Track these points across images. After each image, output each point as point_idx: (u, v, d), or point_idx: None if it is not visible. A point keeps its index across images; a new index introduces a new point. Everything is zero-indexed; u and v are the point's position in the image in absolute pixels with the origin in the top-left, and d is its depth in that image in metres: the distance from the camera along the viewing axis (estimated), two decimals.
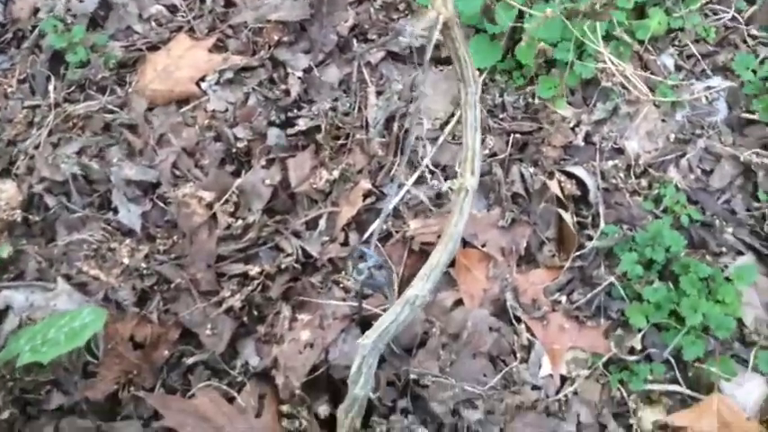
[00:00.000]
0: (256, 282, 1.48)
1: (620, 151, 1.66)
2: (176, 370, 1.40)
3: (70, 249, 1.47)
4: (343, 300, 1.44)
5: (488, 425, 1.34)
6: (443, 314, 1.46)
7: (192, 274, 1.47)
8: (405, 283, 1.51)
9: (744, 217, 1.55)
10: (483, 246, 1.53)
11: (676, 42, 1.78)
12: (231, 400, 1.38)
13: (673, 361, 1.36)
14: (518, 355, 1.41)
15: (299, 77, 1.70)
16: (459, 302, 1.48)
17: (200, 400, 1.35)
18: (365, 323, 1.42)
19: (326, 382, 1.41)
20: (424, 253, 1.51)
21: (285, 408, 1.38)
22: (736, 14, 1.82)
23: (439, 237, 1.47)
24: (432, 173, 1.64)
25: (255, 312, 1.46)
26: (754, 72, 1.69)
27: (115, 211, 1.53)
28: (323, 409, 1.39)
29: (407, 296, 1.18)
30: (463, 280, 1.50)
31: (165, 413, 1.31)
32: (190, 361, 1.40)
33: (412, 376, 1.38)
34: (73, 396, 1.30)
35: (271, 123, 1.65)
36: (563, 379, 1.39)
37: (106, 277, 1.42)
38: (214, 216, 1.53)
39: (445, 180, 1.64)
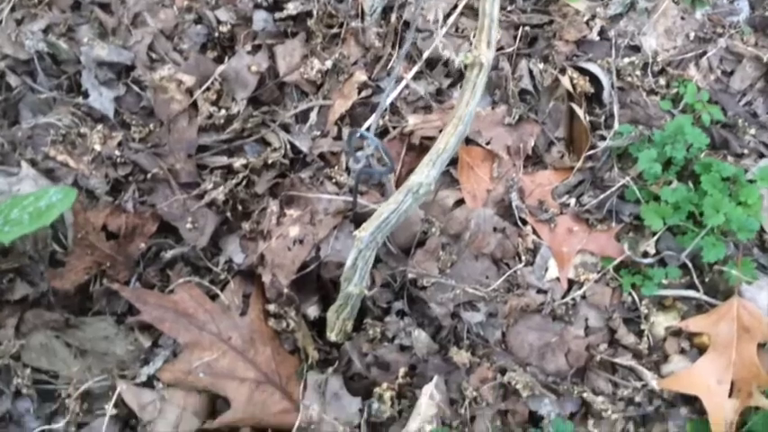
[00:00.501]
0: (241, 175, 1.36)
1: (636, 48, 1.54)
2: (153, 265, 1.30)
3: (36, 133, 1.34)
4: (336, 194, 1.33)
5: (490, 327, 1.25)
6: (443, 213, 1.36)
7: (170, 164, 1.35)
8: (402, 180, 1.40)
9: (765, 119, 1.45)
10: (487, 144, 1.42)
11: None
12: (213, 297, 1.28)
13: (690, 265, 1.27)
14: (523, 258, 1.32)
15: None
16: (460, 202, 1.38)
17: (179, 296, 1.25)
18: (360, 220, 1.31)
19: (316, 282, 1.31)
20: (424, 149, 1.39)
21: (272, 307, 1.28)
22: None
23: (441, 131, 1.36)
24: (432, 67, 1.52)
25: (240, 208, 1.35)
26: None
27: (85, 94, 1.39)
28: (312, 310, 1.30)
29: (410, 184, 1.07)
30: (466, 179, 1.39)
31: (142, 307, 1.21)
32: (168, 255, 1.29)
33: (410, 276, 1.28)
34: (39, 287, 1.19)
35: (257, 6, 1.50)
36: (570, 283, 1.30)
37: (76, 164, 1.29)
38: (194, 104, 1.40)
39: (446, 77, 1.52)
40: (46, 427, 1.11)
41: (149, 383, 1.19)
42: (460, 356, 1.21)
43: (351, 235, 1.26)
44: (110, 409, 1.14)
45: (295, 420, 1.20)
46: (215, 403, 1.23)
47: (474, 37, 1.05)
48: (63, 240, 1.23)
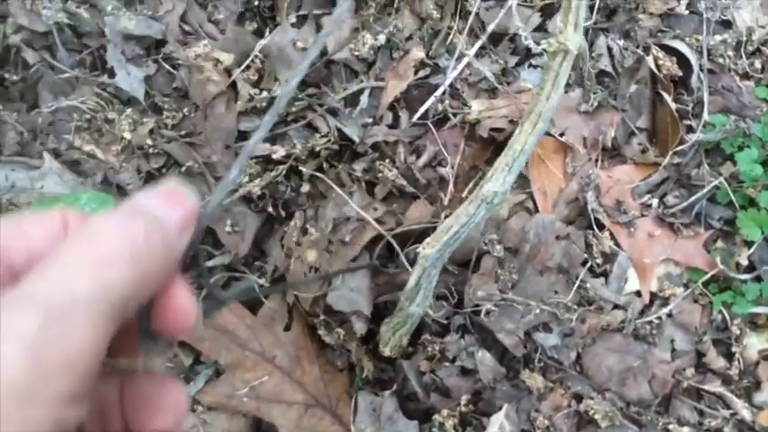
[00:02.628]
0: (281, 167, 1.24)
1: (727, 24, 1.39)
2: (190, 271, 1.19)
3: (57, 119, 1.22)
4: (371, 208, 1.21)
5: (564, 349, 1.15)
6: (497, 224, 1.24)
7: (206, 155, 1.23)
8: (463, 178, 1.28)
9: None
10: (561, 134, 1.29)
11: None
12: (254, 309, 1.18)
13: None
14: (597, 269, 1.21)
15: None
16: (519, 204, 1.26)
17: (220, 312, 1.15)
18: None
19: None
20: (490, 141, 1.27)
21: (316, 321, 1.19)
22: None
23: (511, 121, 1.23)
24: (496, 43, 1.37)
25: (281, 208, 1.24)
26: None
27: (111, 73, 1.26)
28: (359, 327, 1.20)
29: (484, 193, 0.95)
30: (536, 174, 1.27)
31: None
32: (208, 264, 1.19)
33: (468, 309, 1.17)
34: None
35: None
36: (653, 297, 1.19)
37: (104, 155, 1.18)
38: (233, 85, 1.28)
39: (512, 54, 1.38)
40: None
41: (190, 406, 1.11)
42: (534, 381, 1.11)
43: (366, 273, 1.15)
44: None
45: None
46: (260, 427, 1.15)
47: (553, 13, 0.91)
48: None
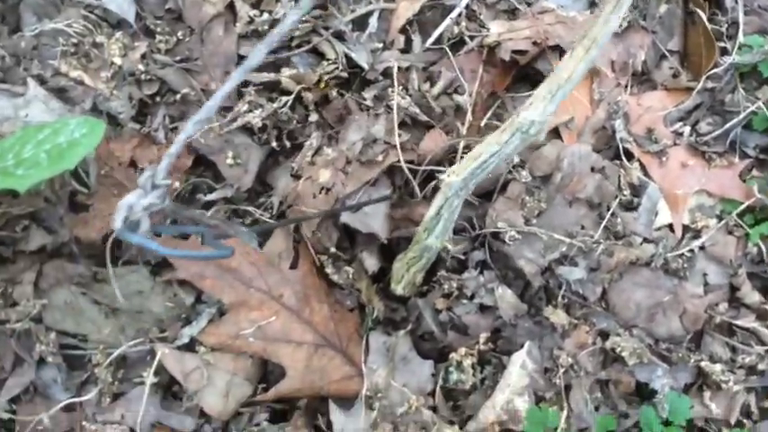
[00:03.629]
0: (284, 99, 1.17)
1: None
2: (190, 207, 1.14)
3: (42, 43, 1.15)
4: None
5: (589, 284, 1.10)
6: (529, 150, 1.18)
7: (204, 82, 1.17)
8: (481, 106, 1.22)
9: None
10: None
11: None
12: (260, 246, 1.13)
13: None
14: (627, 200, 1.15)
15: None
16: (550, 134, 1.20)
17: None
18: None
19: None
20: (512, 66, 1.20)
21: (323, 258, 1.13)
22: None
23: (535, 43, 1.16)
24: None
25: (286, 139, 1.17)
26: None
27: None
28: (371, 264, 1.15)
29: (520, 121, 0.89)
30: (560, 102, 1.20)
31: (177, 262, 1.06)
32: (209, 197, 1.13)
33: (490, 229, 1.11)
34: (58, 235, 1.04)
35: None
36: (685, 230, 1.14)
37: (93, 81, 1.11)
38: (231, 6, 1.20)
39: None
40: (76, 399, 0.99)
41: (192, 347, 1.06)
42: (557, 317, 1.06)
43: (386, 197, 1.09)
44: (150, 377, 1.02)
45: (359, 388, 1.08)
46: (266, 366, 1.11)
47: None
48: (84, 177, 1.07)
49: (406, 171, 1.10)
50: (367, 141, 1.09)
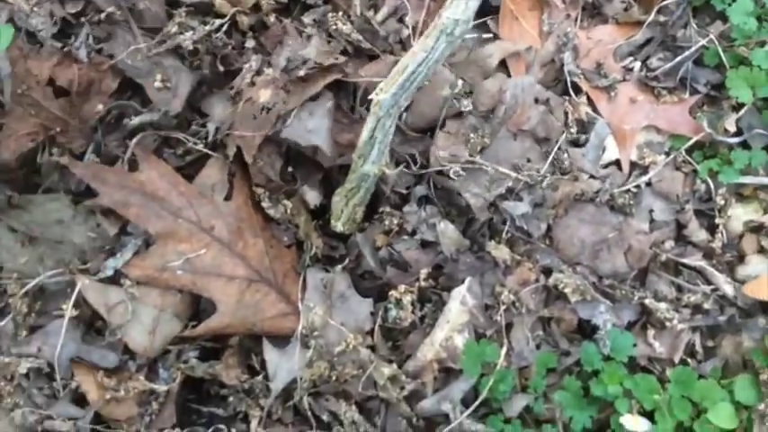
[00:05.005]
0: (218, 22, 1.12)
1: None
2: (115, 133, 1.09)
3: None
4: (329, 54, 1.10)
5: (533, 220, 1.08)
6: (472, 83, 1.15)
7: (131, 1, 1.11)
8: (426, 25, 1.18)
9: None
10: None
11: None
12: (189, 178, 1.09)
13: None
14: (574, 136, 1.13)
15: None
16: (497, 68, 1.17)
17: (146, 175, 1.05)
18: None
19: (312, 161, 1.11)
20: None
21: (260, 191, 1.10)
22: None
23: None
24: None
25: (221, 64, 1.13)
26: None
27: None
28: (312, 197, 1.11)
29: (443, 23, 0.86)
30: (507, 32, 1.18)
31: (100, 188, 1.02)
32: (134, 122, 1.08)
33: (433, 166, 1.09)
34: None
35: None
36: (632, 167, 1.13)
37: None
38: None
39: None
40: None
41: (116, 280, 1.02)
42: (499, 252, 1.05)
43: (328, 112, 1.06)
44: (69, 309, 0.98)
45: (294, 325, 1.06)
46: (198, 303, 1.08)
47: None
48: None
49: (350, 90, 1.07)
50: (296, 62, 1.05)
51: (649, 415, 0.97)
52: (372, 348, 1.06)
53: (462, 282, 1.04)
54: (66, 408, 0.97)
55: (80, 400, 0.98)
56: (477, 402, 0.99)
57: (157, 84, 1.08)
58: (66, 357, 0.98)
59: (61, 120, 1.04)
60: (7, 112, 1.01)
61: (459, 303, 1.03)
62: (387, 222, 1.09)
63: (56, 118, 1.04)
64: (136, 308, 1.02)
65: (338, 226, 1.10)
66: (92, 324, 1.02)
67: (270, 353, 1.05)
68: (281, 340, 1.06)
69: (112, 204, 1.02)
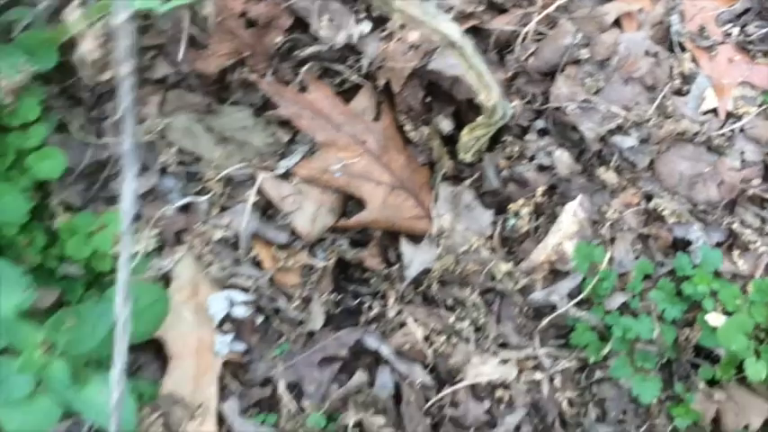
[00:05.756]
0: None
1: None
2: (288, 61, 1.32)
3: None
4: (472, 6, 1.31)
5: (639, 154, 1.27)
6: (590, 36, 1.35)
7: None
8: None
9: None
10: None
11: None
12: (345, 102, 1.31)
13: None
14: (678, 86, 1.31)
15: None
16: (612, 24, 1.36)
17: (314, 95, 1.28)
18: None
19: (448, 95, 1.32)
20: None
21: (403, 117, 1.32)
22: None
23: None
24: None
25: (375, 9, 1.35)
26: None
27: None
28: (445, 125, 1.33)
29: None
30: None
31: (279, 101, 1.25)
32: (304, 53, 1.31)
33: (553, 104, 1.29)
34: (179, 68, 1.24)
35: None
36: (728, 116, 1.31)
37: None
38: None
39: None
40: (192, 199, 1.19)
41: (286, 177, 1.25)
42: (608, 176, 1.24)
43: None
44: (251, 196, 1.21)
45: (426, 227, 1.27)
46: (347, 205, 1.30)
47: None
48: (202, 24, 1.26)
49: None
50: (445, 9, 1.26)
51: (730, 315, 1.15)
52: (492, 250, 1.26)
53: (574, 199, 1.24)
54: (248, 269, 1.20)
55: (257, 265, 1.22)
56: (581, 295, 1.18)
57: (324, 23, 1.31)
58: (249, 232, 1.21)
59: (249, 45, 1.28)
60: (211, 36, 1.25)
61: (572, 215, 1.22)
62: (509, 150, 1.30)
63: (245, 44, 1.28)
64: (301, 200, 1.24)
65: (466, 158, 1.31)
66: (266, 209, 1.25)
67: (406, 247, 1.26)
68: (415, 238, 1.27)
69: (288, 115, 1.25)
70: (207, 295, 1.18)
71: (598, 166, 1.27)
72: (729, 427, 1.13)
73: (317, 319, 1.23)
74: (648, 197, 1.25)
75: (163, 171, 1.20)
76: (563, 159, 1.27)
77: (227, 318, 1.17)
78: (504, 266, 1.23)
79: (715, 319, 1.13)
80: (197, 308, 1.18)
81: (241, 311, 1.17)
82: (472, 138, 1.28)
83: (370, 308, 1.25)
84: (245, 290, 1.19)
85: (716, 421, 1.15)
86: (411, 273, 1.25)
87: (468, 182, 1.30)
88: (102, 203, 1.17)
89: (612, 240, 1.23)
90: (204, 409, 1.15)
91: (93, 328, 0.93)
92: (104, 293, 1.10)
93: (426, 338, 1.22)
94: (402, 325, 1.23)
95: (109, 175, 1.18)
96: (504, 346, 1.22)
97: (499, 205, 1.30)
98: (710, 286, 1.13)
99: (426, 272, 1.24)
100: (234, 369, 1.19)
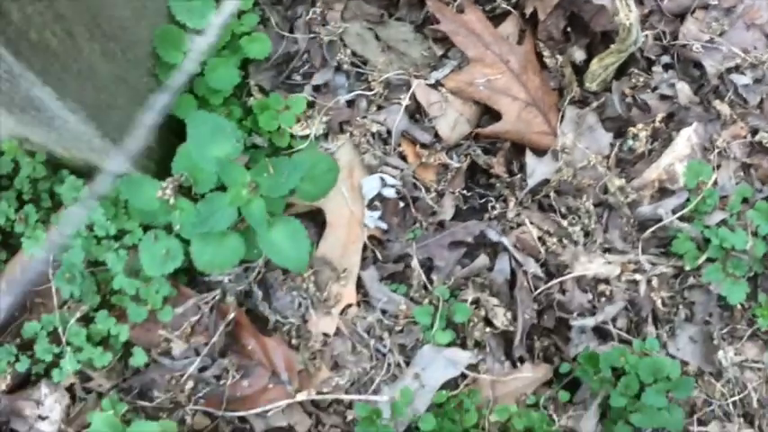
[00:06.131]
0: None
1: None
2: None
3: None
4: None
5: (752, 92, 1.42)
6: None
7: None
8: None
9: None
10: None
11: None
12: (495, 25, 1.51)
13: None
14: None
15: None
16: None
17: (469, 17, 1.48)
18: None
19: (584, 28, 1.49)
20: None
21: (542, 44, 1.50)
22: None
23: None
24: None
25: None
26: None
27: None
28: (578, 54, 1.50)
29: None
30: None
31: (442, 18, 1.46)
32: None
33: (680, 42, 1.45)
34: None
35: None
36: None
37: None
38: None
39: None
40: (359, 92, 1.43)
41: (436, 87, 1.47)
42: (723, 107, 1.40)
43: None
44: (406, 99, 1.44)
45: (551, 143, 1.46)
46: (482, 119, 1.50)
47: None
48: None
49: None
50: None
51: None
52: (608, 168, 1.44)
53: (690, 125, 1.40)
54: (395, 160, 1.43)
55: (403, 159, 1.44)
56: (685, 209, 1.35)
57: None
58: (399, 129, 1.44)
59: None
60: None
61: (686, 140, 1.39)
62: (634, 80, 1.47)
63: None
64: (446, 108, 1.46)
65: (592, 86, 1.49)
66: (415, 113, 1.47)
67: (530, 158, 1.46)
68: (539, 153, 1.47)
69: (447, 31, 1.46)
70: (360, 177, 1.42)
71: (714, 99, 1.42)
72: None
73: (447, 211, 1.45)
74: (755, 131, 1.40)
75: (337, 68, 1.44)
76: (684, 91, 1.43)
77: (377, 197, 1.41)
78: (618, 182, 1.41)
79: None
80: (352, 187, 1.42)
81: (390, 192, 1.40)
82: (601, 66, 1.45)
83: (493, 208, 1.46)
84: (392, 177, 1.42)
85: None
86: (532, 182, 1.44)
87: (593, 106, 1.48)
88: (285, 89, 1.42)
89: (719, 167, 1.40)
90: (348, 273, 1.40)
91: (286, 178, 1.18)
92: (293, 156, 1.35)
93: (540, 238, 1.43)
94: (519, 225, 1.44)
95: (294, 66, 1.43)
96: (609, 250, 1.41)
97: (618, 130, 1.47)
98: None
99: (545, 182, 1.44)
100: (375, 244, 1.42)
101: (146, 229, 1.29)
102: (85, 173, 1.28)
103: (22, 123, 1.15)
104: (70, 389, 1.32)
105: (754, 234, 1.31)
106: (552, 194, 1.44)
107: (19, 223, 1.26)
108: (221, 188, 1.21)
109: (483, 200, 1.47)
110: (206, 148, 1.19)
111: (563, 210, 1.44)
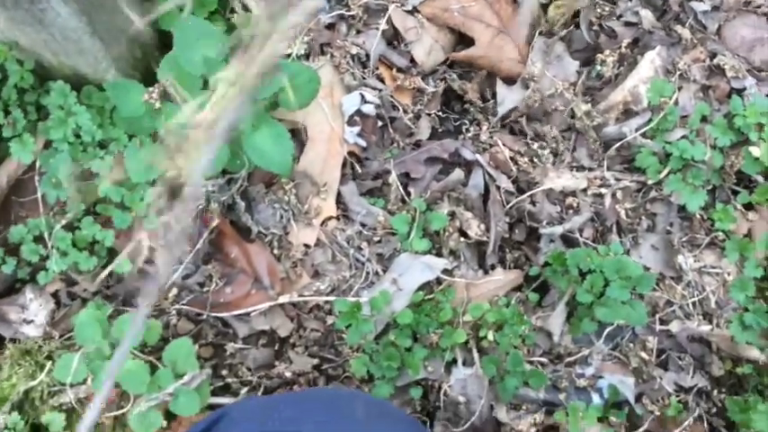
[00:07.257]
0: None
1: None
2: None
3: None
4: None
5: (710, 19, 1.52)
6: None
7: None
8: None
9: None
10: None
11: None
12: None
13: None
14: None
15: None
16: None
17: None
18: None
19: None
20: None
21: None
22: None
23: None
24: None
25: None
26: None
27: None
28: None
29: None
30: None
31: None
32: None
33: None
34: None
35: None
36: None
37: None
38: None
39: None
40: (338, 12, 1.50)
41: (412, 13, 1.54)
42: (684, 32, 1.49)
43: None
44: (383, 24, 1.50)
45: (521, 71, 1.54)
46: (457, 47, 1.58)
47: None
48: None
49: None
50: None
51: None
52: (575, 94, 1.53)
53: (653, 49, 1.49)
54: (374, 82, 1.50)
55: (381, 81, 1.51)
56: (648, 126, 1.44)
57: None
58: (377, 53, 1.50)
59: None
60: None
61: (649, 62, 1.48)
62: (599, 10, 1.56)
63: None
64: (422, 34, 1.53)
65: (554, 29, 1.57)
66: (392, 39, 1.54)
67: (501, 87, 1.54)
68: (510, 82, 1.55)
69: None
70: (340, 97, 1.48)
71: (675, 25, 1.51)
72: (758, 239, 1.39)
73: (424, 132, 1.52)
74: (713, 55, 1.49)
75: None
76: (647, 17, 1.52)
77: (357, 113, 1.47)
78: (584, 107, 1.49)
79: (757, 152, 1.37)
80: (332, 105, 1.48)
81: (369, 109, 1.47)
82: (558, 13, 1.54)
83: (467, 130, 1.53)
84: (371, 95, 1.48)
85: (748, 236, 1.41)
86: (503, 109, 1.52)
87: (560, 35, 1.56)
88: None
89: (680, 89, 1.49)
90: (328, 187, 1.46)
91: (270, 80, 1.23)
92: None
93: (512, 158, 1.50)
94: (492, 146, 1.51)
95: None
96: (576, 168, 1.49)
97: (586, 58, 1.56)
98: (758, 120, 1.37)
99: (515, 109, 1.52)
100: (355, 161, 1.49)
101: (131, 137, 1.34)
102: (74, 83, 1.32)
103: (14, 21, 1.19)
104: (55, 295, 1.36)
105: (713, 147, 1.40)
106: (523, 120, 1.52)
107: (7, 128, 1.30)
108: None
109: (458, 123, 1.54)
110: (192, 52, 1.24)
111: (532, 134, 1.52)
